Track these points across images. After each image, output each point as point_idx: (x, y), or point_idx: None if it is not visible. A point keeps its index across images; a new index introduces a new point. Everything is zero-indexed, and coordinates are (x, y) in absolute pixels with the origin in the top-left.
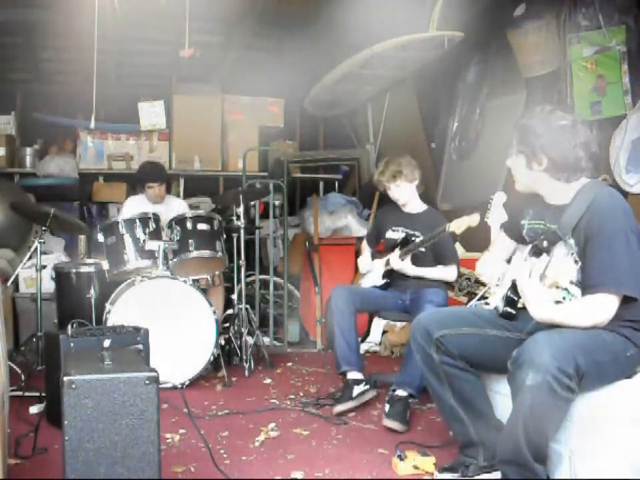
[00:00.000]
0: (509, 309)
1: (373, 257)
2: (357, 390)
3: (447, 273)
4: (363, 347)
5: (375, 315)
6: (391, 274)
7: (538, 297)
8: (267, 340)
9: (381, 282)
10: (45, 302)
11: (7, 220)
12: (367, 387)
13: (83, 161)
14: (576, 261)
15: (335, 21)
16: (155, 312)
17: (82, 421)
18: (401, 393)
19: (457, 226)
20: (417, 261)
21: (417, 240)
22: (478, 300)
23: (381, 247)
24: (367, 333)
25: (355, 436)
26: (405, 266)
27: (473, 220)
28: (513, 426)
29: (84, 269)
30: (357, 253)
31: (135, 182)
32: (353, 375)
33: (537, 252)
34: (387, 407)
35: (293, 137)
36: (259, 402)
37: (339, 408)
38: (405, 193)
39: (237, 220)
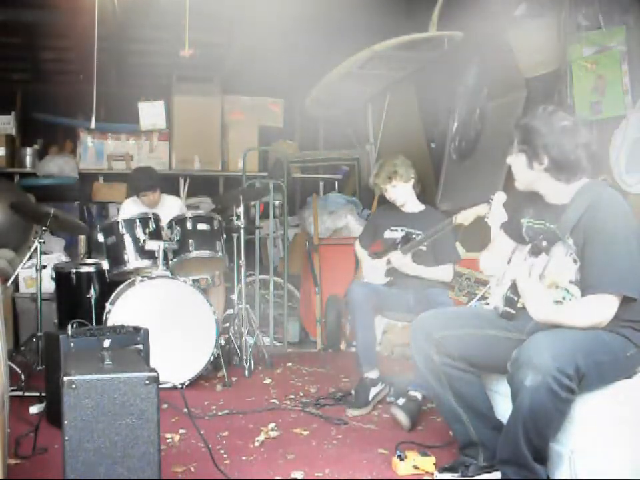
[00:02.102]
0: (508, 309)
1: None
2: (373, 392)
3: (443, 273)
4: None
5: (379, 314)
6: (393, 273)
7: (537, 297)
8: (267, 340)
9: (384, 280)
10: (45, 302)
11: (7, 220)
12: (382, 385)
13: (83, 161)
14: (575, 261)
15: (336, 21)
16: (155, 312)
17: (82, 421)
18: (417, 394)
19: (464, 217)
20: (418, 259)
21: (420, 236)
22: (478, 300)
23: (375, 248)
24: None
25: (355, 436)
26: (407, 263)
27: (481, 210)
28: (512, 426)
29: (84, 269)
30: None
31: (131, 188)
32: (371, 374)
33: (536, 252)
34: (402, 400)
35: (292, 137)
36: (258, 402)
37: (356, 412)
38: (402, 193)
39: (236, 220)
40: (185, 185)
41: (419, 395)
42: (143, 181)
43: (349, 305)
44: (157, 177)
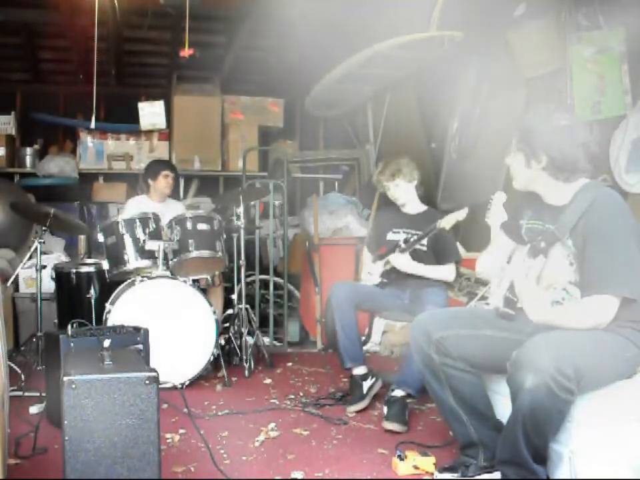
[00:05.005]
0: (507, 310)
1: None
2: (365, 386)
3: (445, 272)
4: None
5: (376, 315)
6: (389, 274)
7: (534, 298)
8: (267, 340)
9: (378, 280)
10: (45, 302)
11: (7, 220)
12: (374, 379)
13: (82, 161)
14: (571, 263)
15: (336, 20)
16: (155, 312)
17: (82, 420)
18: (398, 393)
19: (447, 221)
20: (418, 259)
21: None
22: (478, 300)
23: (381, 251)
24: (369, 336)
25: (355, 436)
26: (406, 262)
27: (460, 214)
28: (512, 427)
29: (84, 269)
30: (358, 255)
31: (148, 174)
32: (359, 370)
33: (534, 253)
34: (386, 409)
35: (292, 136)
36: (259, 402)
37: (354, 408)
38: (404, 193)
39: (237, 220)
40: (193, 186)
41: (400, 392)
42: (163, 163)
43: (329, 305)
44: (175, 168)
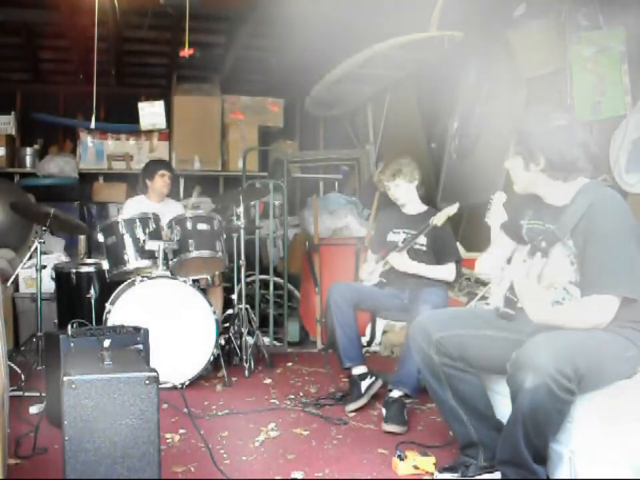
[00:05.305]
0: (507, 310)
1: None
2: (364, 385)
3: (445, 271)
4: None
5: (376, 315)
6: (389, 274)
7: (534, 298)
8: (267, 340)
9: (376, 280)
10: (45, 302)
11: (7, 220)
12: (373, 378)
13: (82, 161)
14: (572, 263)
15: (336, 21)
16: (155, 312)
17: (82, 420)
18: (395, 394)
19: (438, 218)
20: (418, 259)
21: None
22: (478, 300)
23: (384, 252)
24: (373, 336)
25: (355, 436)
26: (404, 262)
27: (450, 210)
28: (512, 427)
29: (84, 269)
30: (358, 255)
31: (146, 174)
32: (358, 369)
33: (535, 253)
34: (384, 411)
35: (292, 136)
36: (259, 402)
37: (352, 407)
38: (405, 193)
39: (237, 220)
40: (195, 193)
41: (398, 393)
42: (160, 163)
43: (328, 305)
44: (172, 167)
